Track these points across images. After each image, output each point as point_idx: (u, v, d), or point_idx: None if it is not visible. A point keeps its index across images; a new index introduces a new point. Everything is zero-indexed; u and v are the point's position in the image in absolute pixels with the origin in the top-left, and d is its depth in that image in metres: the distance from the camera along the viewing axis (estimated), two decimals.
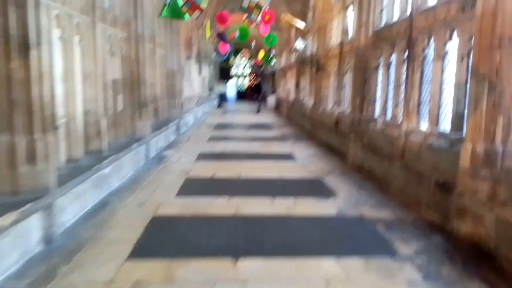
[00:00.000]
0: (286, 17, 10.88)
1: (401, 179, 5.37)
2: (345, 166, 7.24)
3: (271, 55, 20.14)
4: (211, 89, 24.07)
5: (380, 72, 6.89)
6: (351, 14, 8.91)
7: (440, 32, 4.89)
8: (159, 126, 8.96)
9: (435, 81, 5.01)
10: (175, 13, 7.46)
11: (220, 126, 14.08)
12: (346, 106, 9.06)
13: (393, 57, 6.34)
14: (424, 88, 5.40)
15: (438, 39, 4.94)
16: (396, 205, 4.89)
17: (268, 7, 9.36)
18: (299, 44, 12.33)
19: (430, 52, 5.27)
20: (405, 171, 5.30)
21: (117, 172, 5.64)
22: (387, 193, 5.40)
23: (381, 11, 6.92)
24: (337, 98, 9.70)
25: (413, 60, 5.48)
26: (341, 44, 9.39)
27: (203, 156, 8.13)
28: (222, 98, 24.53)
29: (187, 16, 7.54)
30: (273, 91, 25.16)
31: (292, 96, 16.97)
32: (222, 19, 10.42)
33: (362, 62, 7.23)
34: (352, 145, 7.36)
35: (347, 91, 9.07)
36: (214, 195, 5.21)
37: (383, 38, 6.62)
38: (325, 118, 10.30)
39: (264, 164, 7.46)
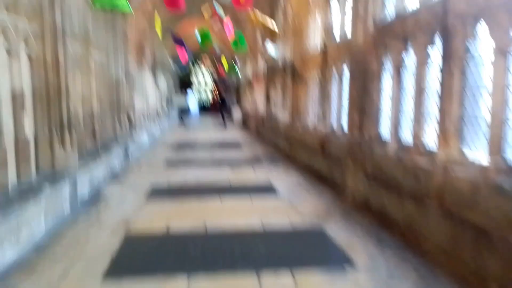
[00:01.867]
0: (255, 15, 8.99)
1: (443, 233, 3.64)
2: (344, 203, 5.49)
3: (235, 63, 18.44)
4: (169, 102, 21.87)
5: (386, 78, 5.26)
6: (336, 8, 7.32)
7: (499, 15, 3.28)
8: (97, 152, 6.87)
9: (497, 87, 3.37)
10: (112, 2, 5.56)
11: (181, 146, 12.04)
12: (334, 123, 7.38)
13: (407, 56, 4.72)
14: (466, 98, 3.78)
15: (497, 25, 3.32)
16: (448, 280, 3.16)
17: None
18: (270, 48, 10.60)
19: (477, 45, 3.68)
20: (449, 222, 3.58)
21: (12, 235, 3.56)
22: (421, 254, 3.67)
23: None
24: (321, 113, 8.00)
25: (449, 58, 3.85)
26: (324, 47, 7.77)
27: (156, 193, 6.11)
28: (183, 112, 22.51)
29: (128, 6, 5.65)
30: (238, 102, 23.30)
31: (261, 109, 15.20)
32: (172, 2, 7.40)
33: (360, 65, 5.56)
34: (352, 174, 5.63)
35: (335, 104, 7.41)
36: (165, 274, 3.26)
37: (390, 32, 4.99)
38: (307, 137, 8.56)
39: (238, 203, 5.55)
